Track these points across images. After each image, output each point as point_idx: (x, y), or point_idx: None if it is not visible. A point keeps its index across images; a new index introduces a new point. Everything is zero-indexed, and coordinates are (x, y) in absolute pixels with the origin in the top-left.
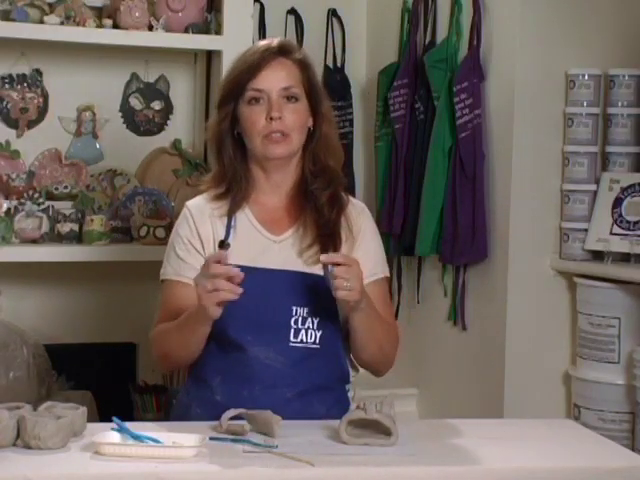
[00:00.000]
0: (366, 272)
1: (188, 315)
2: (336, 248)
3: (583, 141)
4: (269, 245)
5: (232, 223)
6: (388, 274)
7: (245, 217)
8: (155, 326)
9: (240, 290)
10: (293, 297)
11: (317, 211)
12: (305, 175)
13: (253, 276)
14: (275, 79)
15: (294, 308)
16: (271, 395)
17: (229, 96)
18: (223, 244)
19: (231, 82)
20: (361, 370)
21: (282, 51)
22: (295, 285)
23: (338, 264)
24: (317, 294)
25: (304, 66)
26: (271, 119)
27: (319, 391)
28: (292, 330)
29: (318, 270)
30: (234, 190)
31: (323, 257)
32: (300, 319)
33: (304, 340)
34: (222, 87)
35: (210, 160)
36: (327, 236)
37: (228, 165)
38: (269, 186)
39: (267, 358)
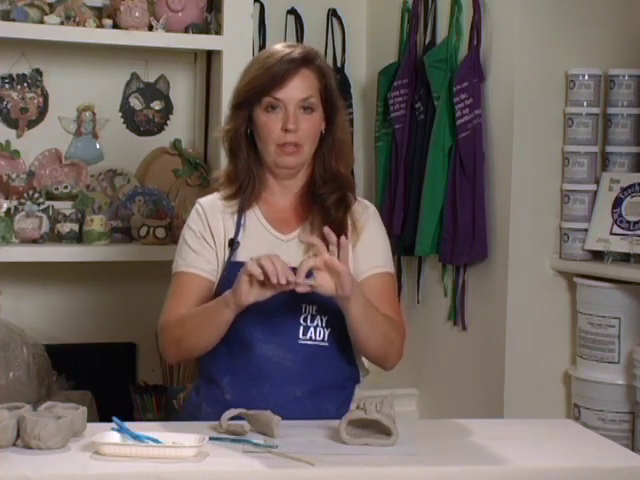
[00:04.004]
0: (367, 264)
1: (215, 301)
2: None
3: (583, 141)
4: (277, 244)
5: (242, 221)
6: (393, 271)
7: (254, 216)
8: (166, 315)
9: (283, 281)
10: (302, 295)
11: (324, 211)
12: (314, 178)
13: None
14: (295, 90)
15: (303, 306)
16: (281, 393)
17: (247, 101)
18: (233, 242)
19: (252, 89)
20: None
21: (305, 61)
22: None
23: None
24: None
25: (323, 74)
26: (286, 130)
27: (329, 390)
28: (301, 328)
29: None
30: (246, 190)
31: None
32: (309, 317)
33: (313, 337)
34: (240, 90)
35: (211, 160)
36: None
37: (243, 166)
38: (279, 187)
39: (276, 356)
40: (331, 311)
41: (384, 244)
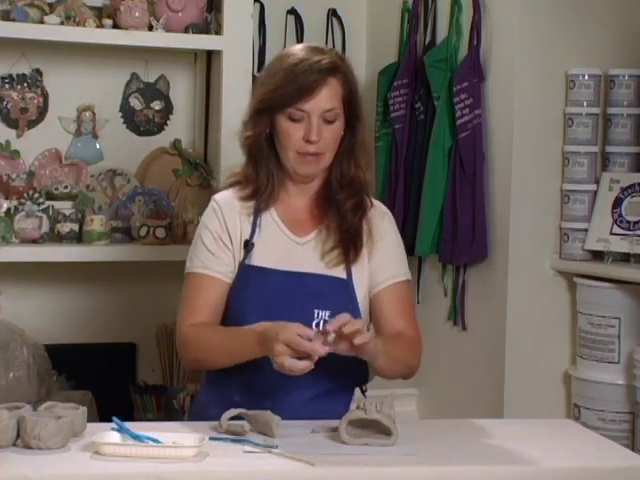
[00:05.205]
0: (386, 275)
1: (247, 339)
2: (357, 252)
3: (583, 141)
4: (292, 246)
5: (258, 222)
6: (410, 277)
7: (270, 217)
8: (183, 323)
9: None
10: (315, 300)
11: (340, 216)
12: (331, 182)
13: (276, 278)
14: (320, 101)
15: (316, 311)
16: (289, 396)
17: (271, 107)
18: (247, 244)
19: (276, 97)
20: None
21: (332, 70)
22: (317, 288)
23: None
24: (339, 298)
25: (348, 80)
26: (308, 141)
27: (337, 392)
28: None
29: (340, 273)
30: (264, 191)
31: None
32: (322, 322)
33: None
34: (264, 97)
35: (211, 160)
36: (349, 240)
37: (263, 169)
38: (296, 189)
39: None
40: None
41: (401, 252)
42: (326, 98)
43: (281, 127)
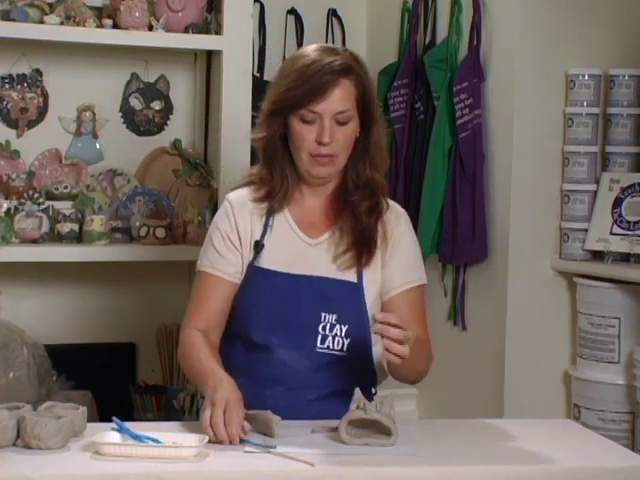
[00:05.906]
0: (400, 280)
1: (204, 377)
2: (370, 255)
3: (583, 141)
4: (304, 248)
5: (270, 222)
6: (425, 281)
7: (284, 218)
8: (186, 319)
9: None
10: (323, 303)
11: (355, 218)
12: (347, 183)
13: (282, 281)
14: (332, 103)
15: (323, 314)
16: (293, 396)
17: (284, 109)
18: (257, 245)
19: (289, 99)
20: None
21: (344, 72)
22: (326, 291)
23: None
24: (347, 301)
25: (361, 81)
26: (320, 143)
27: (342, 394)
28: (319, 336)
29: (350, 276)
30: (278, 192)
31: (380, 316)
32: (328, 325)
33: (330, 347)
34: (277, 99)
35: (211, 160)
36: (362, 243)
37: (277, 170)
38: (310, 190)
39: (292, 361)
40: (351, 321)
41: (416, 255)
42: (338, 100)
43: (294, 129)
